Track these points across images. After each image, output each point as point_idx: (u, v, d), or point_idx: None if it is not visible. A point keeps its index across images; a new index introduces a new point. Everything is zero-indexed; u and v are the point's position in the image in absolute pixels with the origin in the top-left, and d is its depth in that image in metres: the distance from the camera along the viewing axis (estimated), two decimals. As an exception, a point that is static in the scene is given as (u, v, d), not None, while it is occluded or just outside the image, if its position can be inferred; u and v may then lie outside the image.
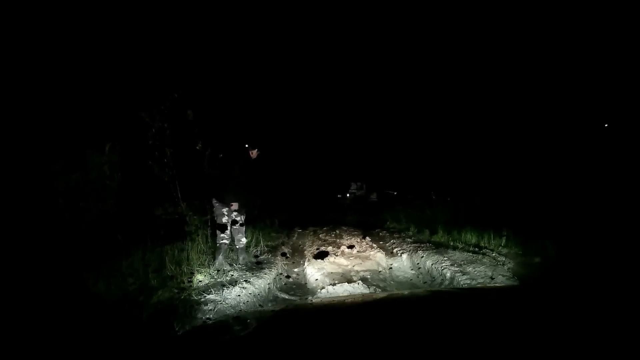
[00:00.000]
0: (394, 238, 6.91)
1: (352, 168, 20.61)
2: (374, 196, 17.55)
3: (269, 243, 5.77)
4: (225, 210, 4.15)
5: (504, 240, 5.82)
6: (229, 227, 4.17)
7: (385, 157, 18.78)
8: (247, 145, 4.43)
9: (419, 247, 5.75)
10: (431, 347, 1.01)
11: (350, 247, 6.69)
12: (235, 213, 4.23)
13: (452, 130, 12.21)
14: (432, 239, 6.61)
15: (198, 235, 4.13)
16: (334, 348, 1.04)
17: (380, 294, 3.24)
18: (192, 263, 3.63)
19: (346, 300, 2.24)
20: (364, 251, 5.35)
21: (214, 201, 4.17)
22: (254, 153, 4.46)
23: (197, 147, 4.19)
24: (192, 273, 3.42)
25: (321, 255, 5.65)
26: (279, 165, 15.15)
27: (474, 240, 6.27)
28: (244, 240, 4.42)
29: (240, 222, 4.35)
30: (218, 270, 3.70)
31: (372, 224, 9.85)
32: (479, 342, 1.03)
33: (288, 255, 5.56)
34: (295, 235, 7.46)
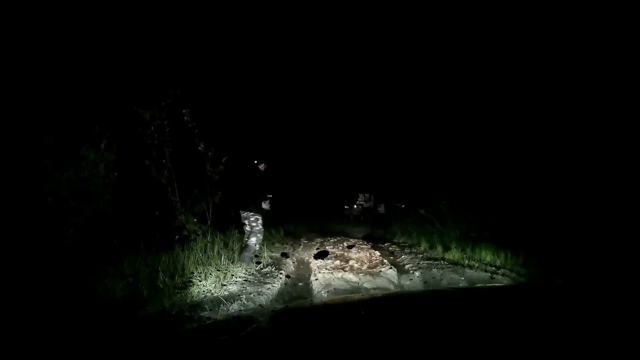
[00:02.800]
0: (404, 253, 6.53)
1: (359, 179, 20.24)
2: (381, 208, 17.13)
3: (273, 254, 5.41)
4: (248, 215, 4.72)
5: (521, 259, 5.46)
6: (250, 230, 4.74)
7: (394, 168, 18.41)
8: (256, 161, 4.89)
9: (432, 264, 5.38)
10: (432, 346, 1.00)
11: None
12: (253, 218, 4.73)
13: (464, 142, 11.81)
14: (446, 256, 6.23)
15: (197, 243, 3.79)
16: (334, 347, 1.03)
17: (381, 293, 3.19)
18: (187, 273, 3.29)
19: (346, 300, 2.29)
20: (374, 267, 4.96)
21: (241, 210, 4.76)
22: (262, 167, 4.96)
23: (200, 148, 3.88)
24: (187, 285, 3.06)
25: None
26: (286, 175, 14.87)
27: (488, 258, 5.92)
28: (258, 246, 4.87)
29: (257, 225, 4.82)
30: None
31: (381, 237, 9.48)
32: (480, 340, 1.02)
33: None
34: (301, 246, 7.08)
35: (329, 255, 5.77)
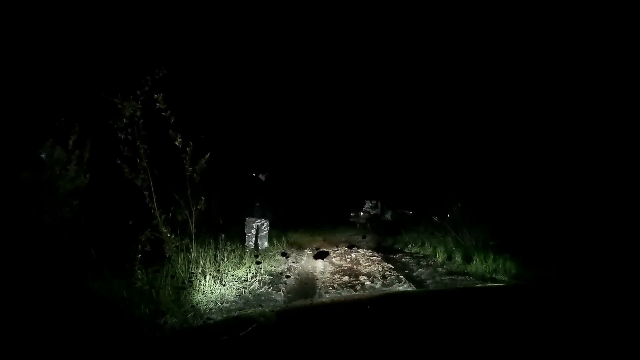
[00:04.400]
0: (421, 266, 5.82)
1: (365, 185, 19.52)
2: (388, 215, 16.42)
3: (273, 268, 4.74)
4: (253, 222, 5.58)
5: (554, 272, 4.83)
6: (253, 235, 5.58)
7: (401, 173, 17.76)
8: (254, 174, 5.56)
9: (456, 280, 4.70)
10: (432, 345, 0.99)
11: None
12: (259, 222, 5.61)
13: (473, 146, 11.15)
14: (468, 269, 5.53)
15: (178, 258, 3.14)
16: (335, 347, 1.01)
17: (380, 293, 3.17)
18: (163, 299, 2.62)
19: (347, 299, 2.26)
20: (389, 285, 4.29)
21: (247, 217, 5.57)
22: (263, 177, 5.65)
23: (177, 143, 3.23)
24: (156, 315, 2.40)
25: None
26: (289, 181, 14.23)
27: (514, 271, 5.24)
28: (266, 244, 5.84)
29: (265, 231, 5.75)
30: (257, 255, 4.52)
31: (391, 248, 8.79)
32: (481, 339, 1.01)
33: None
34: (305, 258, 6.40)
35: (335, 267, 5.18)
